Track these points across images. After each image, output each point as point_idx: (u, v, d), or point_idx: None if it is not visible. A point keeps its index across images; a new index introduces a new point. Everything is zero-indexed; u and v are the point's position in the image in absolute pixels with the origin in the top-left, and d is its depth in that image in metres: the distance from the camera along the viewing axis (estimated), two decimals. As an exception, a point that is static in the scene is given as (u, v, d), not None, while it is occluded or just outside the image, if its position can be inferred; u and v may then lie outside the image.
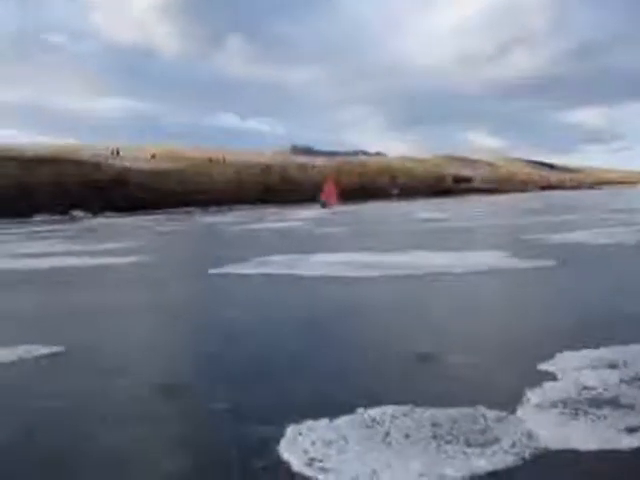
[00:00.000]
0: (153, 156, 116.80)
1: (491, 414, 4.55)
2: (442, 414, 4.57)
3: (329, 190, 73.31)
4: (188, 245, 26.43)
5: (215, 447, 4.33)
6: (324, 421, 4.52)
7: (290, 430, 4.40)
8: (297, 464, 3.91)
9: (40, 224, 54.55)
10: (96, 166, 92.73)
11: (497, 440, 4.11)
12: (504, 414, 4.56)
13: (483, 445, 4.04)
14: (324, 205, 67.92)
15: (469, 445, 4.05)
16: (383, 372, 5.94)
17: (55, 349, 7.22)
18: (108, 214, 72.11)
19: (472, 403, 4.76)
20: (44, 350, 7.19)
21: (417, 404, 4.76)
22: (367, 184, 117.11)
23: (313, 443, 4.18)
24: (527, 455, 3.92)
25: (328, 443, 4.16)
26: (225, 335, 7.93)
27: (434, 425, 4.38)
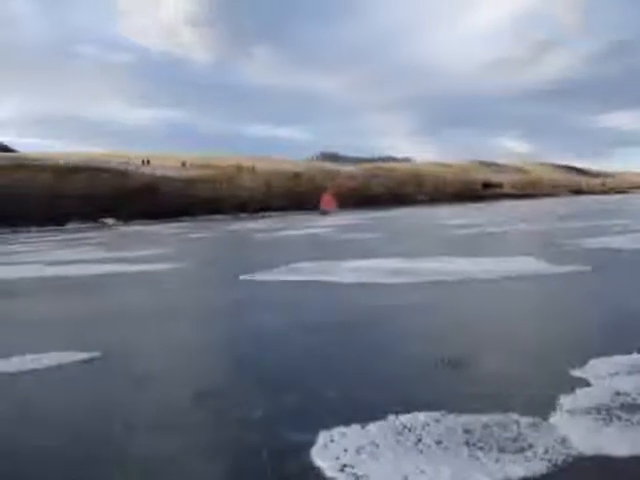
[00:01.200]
0: (183, 164, 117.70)
1: (524, 420, 4.53)
2: (474, 420, 4.55)
3: (327, 199, 74.83)
4: (218, 252, 26.54)
5: (247, 453, 4.35)
6: (356, 427, 4.53)
7: (322, 436, 4.42)
8: (329, 470, 3.92)
9: (72, 232, 55.19)
10: (127, 174, 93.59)
11: (530, 446, 4.09)
12: (537, 420, 4.53)
13: (516, 452, 4.02)
14: (324, 213, 68.98)
15: (502, 451, 4.03)
16: (414, 378, 5.94)
17: (91, 355, 7.31)
18: (139, 222, 72.70)
19: (504, 409, 4.74)
20: (80, 356, 7.28)
21: (449, 410, 4.75)
22: (395, 190, 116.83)
23: (345, 449, 4.19)
24: (561, 462, 3.89)
25: (360, 449, 4.17)
26: (256, 341, 7.97)
27: (466, 431, 4.37)
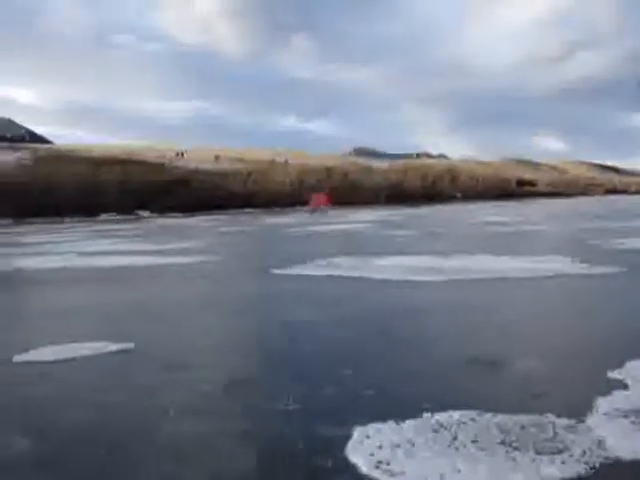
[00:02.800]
0: (217, 157, 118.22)
1: (560, 422, 4.49)
2: (510, 420, 4.53)
3: (318, 198, 75.37)
4: (251, 246, 26.64)
5: (281, 447, 4.35)
6: (391, 424, 4.52)
7: (357, 432, 4.42)
8: (364, 467, 3.91)
9: (107, 223, 55.79)
10: (161, 167, 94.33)
11: (567, 448, 4.06)
12: (573, 422, 4.49)
13: (553, 453, 3.99)
14: (313, 211, 69.35)
15: (538, 453, 4.00)
16: (449, 376, 5.92)
17: (125, 345, 7.39)
18: (172, 214, 73.27)
19: (541, 410, 4.71)
20: (114, 346, 7.37)
21: (484, 409, 4.73)
22: (430, 187, 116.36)
23: (380, 446, 4.18)
24: (598, 464, 3.85)
25: (395, 446, 4.17)
26: (289, 334, 7.98)
27: (502, 431, 4.34)
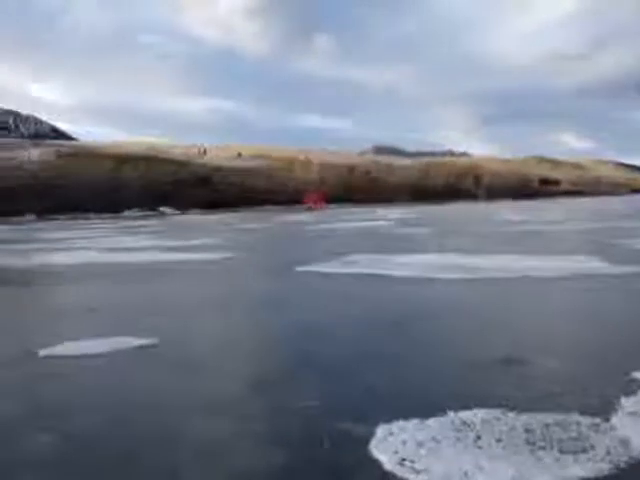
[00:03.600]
0: (239, 155, 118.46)
1: (584, 421, 4.47)
2: (534, 419, 4.51)
3: (311, 197, 75.13)
4: (273, 242, 26.70)
5: (305, 443, 4.37)
6: (414, 421, 4.52)
7: (380, 429, 4.42)
8: (388, 464, 3.91)
9: (130, 219, 56.08)
10: (184, 164, 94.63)
11: (591, 447, 4.04)
12: (598, 421, 4.47)
13: (577, 452, 3.97)
14: (310, 209, 69.23)
15: (562, 452, 3.98)
16: (472, 375, 5.90)
17: (148, 341, 7.44)
18: (195, 211, 73.55)
19: (564, 409, 4.68)
20: (138, 342, 7.42)
21: (508, 408, 4.71)
22: (452, 185, 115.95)
23: (404, 443, 4.18)
24: (623, 464, 3.83)
25: (419, 444, 4.16)
26: (312, 331, 8.00)
27: (526, 430, 4.33)
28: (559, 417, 4.54)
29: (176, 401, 5.38)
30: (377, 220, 40.92)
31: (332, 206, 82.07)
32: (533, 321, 8.40)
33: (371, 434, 4.35)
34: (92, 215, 66.37)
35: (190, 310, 9.90)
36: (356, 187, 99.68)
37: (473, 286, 11.27)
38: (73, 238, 30.37)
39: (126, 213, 70.40)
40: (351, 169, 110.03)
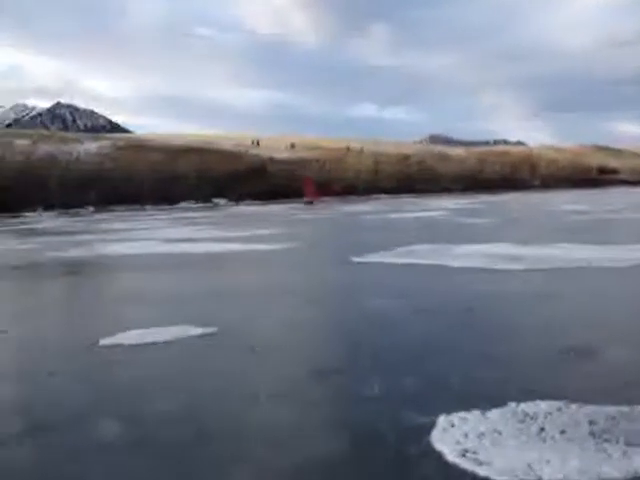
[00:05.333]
0: (292, 145, 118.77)
1: (651, 413, 4.38)
2: (599, 411, 4.43)
3: (309, 190, 73.70)
4: (329, 233, 26.71)
5: (367, 434, 4.37)
6: (476, 412, 4.48)
7: (442, 420, 4.39)
8: (450, 455, 3.89)
9: (185, 211, 56.67)
10: (238, 155, 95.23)
11: (659, 441, 3.95)
12: (666, 414, 4.37)
13: (644, 445, 3.89)
14: (308, 202, 68.28)
15: (629, 444, 3.90)
16: (535, 365, 5.83)
17: (207, 330, 7.51)
18: (249, 202, 73.97)
19: (630, 402, 4.59)
20: (197, 331, 7.50)
21: (572, 400, 4.63)
22: (508, 174, 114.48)
23: (466, 434, 4.15)
24: (692, 458, 3.74)
25: (481, 435, 4.13)
26: (372, 322, 8.00)
27: (591, 422, 4.25)
28: (625, 409, 4.46)
29: (239, 389, 5.45)
30: (433, 210, 40.63)
31: (384, 196, 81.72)
32: (599, 311, 8.25)
33: (432, 425, 4.32)
34: (148, 207, 67.19)
35: (248, 300, 9.97)
36: (410, 177, 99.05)
37: (534, 276, 11.13)
38: (132, 229, 30.84)
39: (182, 204, 71.13)
40: (405, 159, 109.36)
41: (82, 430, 4.62)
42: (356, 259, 14.16)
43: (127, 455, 4.23)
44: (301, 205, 60.92)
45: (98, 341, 7.21)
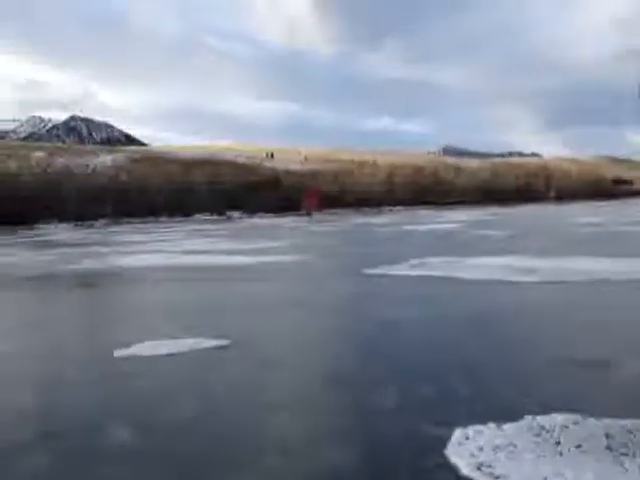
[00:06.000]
0: (306, 158, 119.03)
1: (670, 428, 4.33)
2: (616, 424, 4.39)
3: (310, 200, 74.42)
4: (342, 245, 26.69)
5: (381, 445, 4.35)
6: (491, 425, 4.45)
7: (457, 432, 4.37)
8: (465, 468, 3.86)
9: (200, 222, 56.87)
10: (252, 168, 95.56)
11: (678, 455, 3.91)
12: (684, 428, 4.33)
13: (662, 460, 3.85)
14: (308, 213, 68.73)
15: (646, 459, 3.86)
16: (550, 378, 5.79)
17: (222, 342, 7.51)
18: (263, 214, 74.15)
19: (648, 415, 4.55)
20: (211, 343, 7.50)
21: (588, 413, 4.59)
22: (523, 186, 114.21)
23: (481, 447, 4.12)
24: None
25: (497, 448, 4.10)
26: (385, 334, 7.97)
27: (607, 436, 4.22)
28: (641, 423, 4.42)
29: (251, 400, 5.43)
30: (447, 222, 40.57)
31: (397, 208, 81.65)
32: (617, 324, 8.17)
33: (447, 437, 4.30)
34: (163, 219, 67.55)
35: (261, 312, 9.97)
36: (424, 189, 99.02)
37: (549, 289, 11.07)
38: (147, 241, 30.97)
39: (196, 217, 71.42)
40: (418, 171, 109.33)
41: (93, 439, 4.64)
42: (369, 271, 14.14)
43: (141, 463, 4.24)
44: (312, 217, 61.02)
45: (112, 353, 7.22)
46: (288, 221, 54.14)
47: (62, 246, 29.90)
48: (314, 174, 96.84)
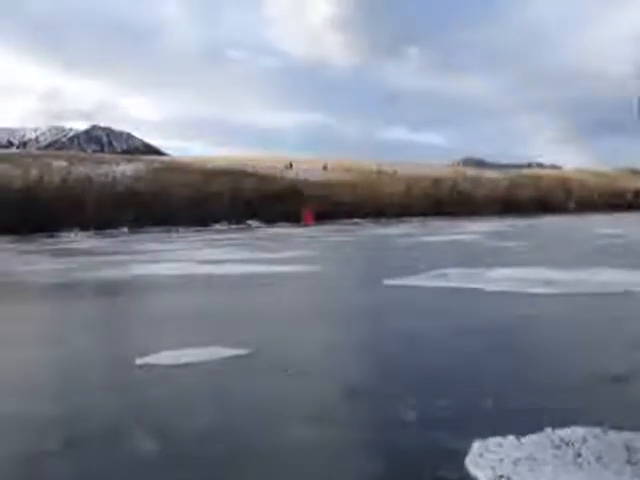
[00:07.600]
0: (325, 168, 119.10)
1: (691, 442, 4.32)
2: (637, 438, 4.38)
3: (307, 216, 77.15)
4: (361, 256, 26.70)
5: (401, 457, 4.36)
6: (511, 438, 4.45)
7: (476, 444, 4.37)
8: (485, 480, 3.87)
9: (219, 232, 57.04)
10: (271, 178, 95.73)
11: (699, 469, 3.90)
12: None
13: (684, 474, 3.84)
14: (306, 227, 69.56)
15: (668, 473, 3.85)
16: (570, 390, 5.77)
17: (240, 352, 7.55)
18: (282, 224, 74.27)
19: (669, 429, 4.53)
20: (230, 352, 7.54)
21: (609, 426, 4.58)
22: (542, 198, 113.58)
23: (501, 460, 4.12)
24: None
25: (517, 461, 4.09)
26: (405, 346, 7.97)
27: (628, 449, 4.21)
28: (663, 437, 4.40)
29: (270, 411, 5.45)
30: (467, 233, 40.44)
31: (415, 219, 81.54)
32: (637, 338, 8.13)
33: (467, 449, 4.30)
34: (182, 228, 67.75)
35: (280, 322, 10.01)
36: (443, 200, 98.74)
37: (570, 301, 11.02)
38: (167, 250, 31.11)
39: (215, 226, 71.64)
40: (438, 182, 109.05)
41: (113, 447, 4.70)
42: (389, 282, 14.14)
43: (162, 470, 4.29)
44: (331, 227, 61.09)
45: (133, 362, 7.28)
46: (306, 231, 54.18)
47: (83, 254, 30.13)
48: (334, 185, 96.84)
